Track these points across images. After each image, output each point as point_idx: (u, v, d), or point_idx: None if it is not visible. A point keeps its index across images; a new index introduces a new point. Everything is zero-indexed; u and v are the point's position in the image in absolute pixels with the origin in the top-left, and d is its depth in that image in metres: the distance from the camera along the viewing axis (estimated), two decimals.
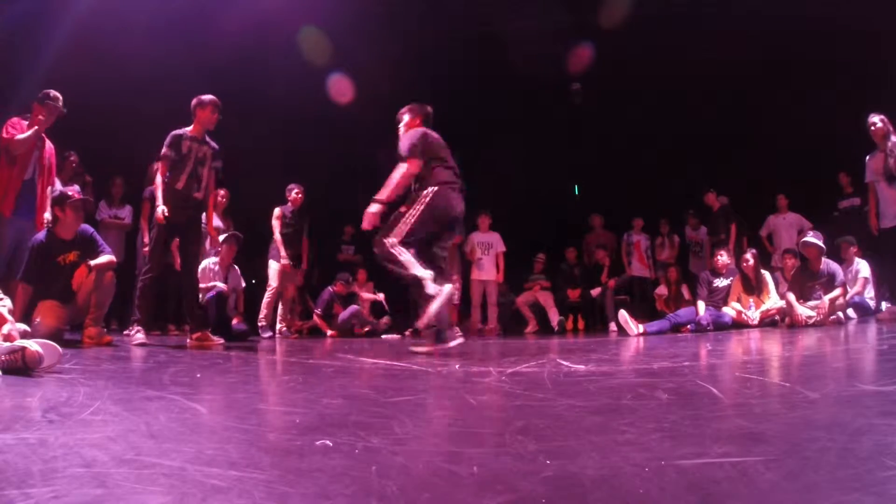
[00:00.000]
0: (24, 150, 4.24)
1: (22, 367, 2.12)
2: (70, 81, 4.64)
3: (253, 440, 1.24)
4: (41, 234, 4.02)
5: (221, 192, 6.08)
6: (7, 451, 1.07)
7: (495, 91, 8.07)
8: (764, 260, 6.53)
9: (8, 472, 0.95)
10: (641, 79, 7.63)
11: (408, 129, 3.66)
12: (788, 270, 6.12)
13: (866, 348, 3.39)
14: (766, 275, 6.02)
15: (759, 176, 7.71)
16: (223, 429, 1.39)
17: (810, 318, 5.29)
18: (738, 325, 5.70)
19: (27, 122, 4.28)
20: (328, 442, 1.16)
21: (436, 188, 3.40)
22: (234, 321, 5.74)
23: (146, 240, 6.02)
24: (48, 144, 4.44)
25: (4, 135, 4.18)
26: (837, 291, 5.39)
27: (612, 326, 6.63)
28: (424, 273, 3.24)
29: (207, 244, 6.17)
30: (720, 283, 6.10)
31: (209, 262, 5.66)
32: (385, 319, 6.92)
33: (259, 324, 6.10)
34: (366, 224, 3.41)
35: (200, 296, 5.04)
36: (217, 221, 6.12)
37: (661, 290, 7.16)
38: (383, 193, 3.36)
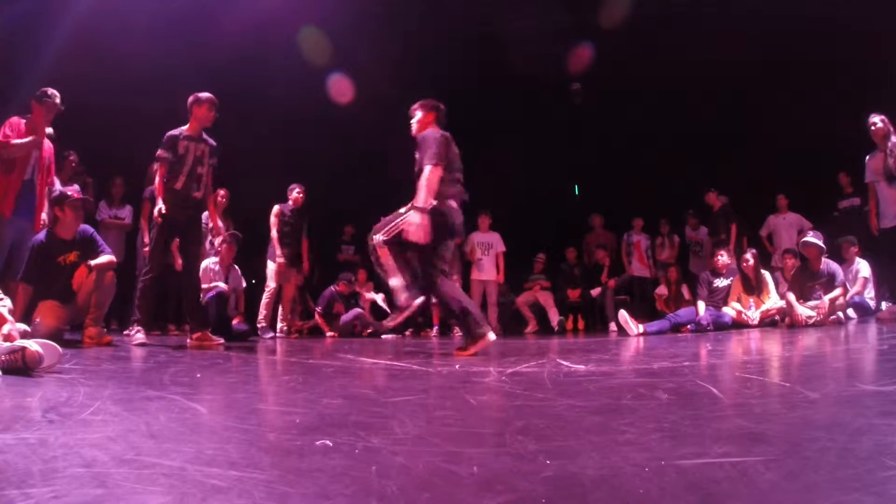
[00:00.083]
0: (22, 155, 4.24)
1: (22, 367, 2.12)
2: (70, 81, 4.63)
3: (253, 440, 1.24)
4: (41, 235, 4.02)
5: (221, 191, 6.08)
6: (7, 451, 1.07)
7: (495, 91, 8.08)
8: (764, 260, 6.53)
9: (8, 472, 0.95)
10: (641, 79, 7.63)
11: (421, 127, 3.61)
12: (788, 270, 6.12)
13: (866, 348, 3.39)
14: (766, 275, 6.02)
15: (759, 176, 7.71)
16: (223, 429, 1.39)
17: (810, 318, 5.29)
18: (738, 325, 5.70)
19: (25, 121, 4.28)
20: (328, 442, 1.16)
21: (434, 202, 3.35)
22: (235, 321, 5.74)
23: (146, 240, 6.02)
24: (47, 144, 4.44)
25: (0, 137, 4.17)
26: (837, 291, 5.39)
27: (612, 326, 6.63)
28: (398, 283, 3.32)
29: (207, 244, 6.17)
30: (720, 283, 6.10)
31: (209, 262, 5.66)
32: (387, 321, 6.92)
33: (259, 325, 6.09)
34: (422, 237, 3.22)
35: (201, 296, 5.04)
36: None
37: (661, 290, 7.16)
38: (421, 200, 3.23)
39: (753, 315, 5.75)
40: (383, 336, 6.46)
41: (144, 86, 6.23)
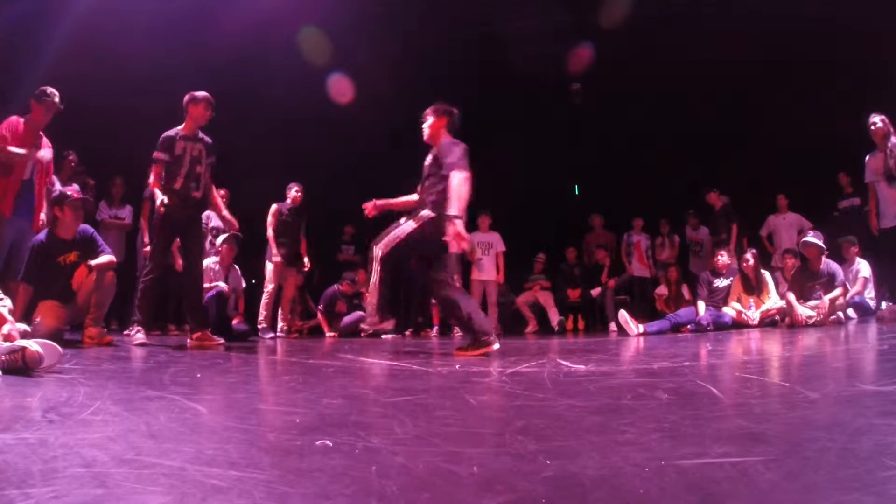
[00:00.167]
0: (22, 160, 4.24)
1: (22, 367, 2.12)
2: (70, 81, 4.63)
3: (253, 440, 1.24)
4: (41, 235, 4.03)
5: (221, 191, 6.07)
6: (7, 451, 1.07)
7: (495, 91, 8.08)
8: (764, 260, 6.53)
9: (8, 472, 0.95)
10: (641, 79, 7.63)
11: (433, 132, 3.59)
12: (788, 270, 6.12)
13: (866, 348, 3.39)
14: (766, 275, 6.02)
15: (759, 176, 7.72)
16: (223, 429, 1.39)
17: (810, 318, 5.29)
18: (739, 325, 5.70)
19: (24, 121, 4.28)
20: (328, 442, 1.16)
21: (434, 216, 3.36)
22: (235, 321, 5.74)
23: (146, 240, 6.03)
24: (45, 142, 4.44)
25: None
26: (837, 291, 5.39)
27: (612, 326, 6.63)
28: (373, 303, 3.47)
29: (207, 244, 6.17)
30: (720, 283, 6.10)
31: (210, 262, 5.66)
32: (388, 324, 6.89)
33: (259, 325, 6.08)
34: (463, 246, 3.25)
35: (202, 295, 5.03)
36: (217, 222, 6.12)
37: (662, 290, 7.16)
38: (454, 207, 3.21)
39: (753, 315, 5.75)
40: (383, 336, 6.46)
41: (144, 86, 6.22)
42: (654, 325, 5.58)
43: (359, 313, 6.86)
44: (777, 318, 5.74)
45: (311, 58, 7.34)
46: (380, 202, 3.80)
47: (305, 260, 6.48)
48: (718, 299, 6.02)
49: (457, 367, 2.65)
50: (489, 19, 7.55)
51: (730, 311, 5.81)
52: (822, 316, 5.27)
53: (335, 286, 7.01)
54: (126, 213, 6.44)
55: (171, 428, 1.32)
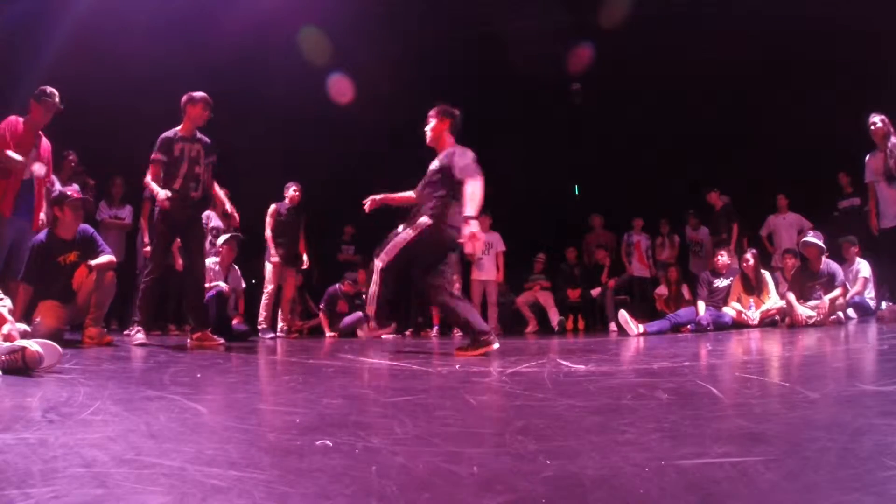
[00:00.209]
0: (20, 154, 4.23)
1: (22, 367, 2.12)
2: (70, 81, 4.63)
3: (253, 440, 1.24)
4: (41, 235, 4.03)
5: (222, 191, 6.07)
6: (7, 451, 1.07)
7: (495, 91, 8.08)
8: (764, 260, 6.53)
9: (8, 472, 0.95)
10: (641, 79, 7.63)
11: (435, 134, 3.60)
12: (788, 270, 6.12)
13: (866, 348, 3.39)
14: (766, 275, 6.02)
15: (759, 176, 7.72)
16: (223, 429, 1.39)
17: (810, 318, 5.29)
18: (739, 325, 5.70)
19: (24, 120, 4.28)
20: (328, 442, 1.16)
21: (431, 223, 3.38)
22: (235, 321, 5.74)
23: (146, 240, 6.03)
24: (44, 142, 4.44)
25: None
26: (837, 291, 5.40)
27: (612, 326, 6.63)
28: (370, 313, 3.54)
29: (207, 244, 6.17)
30: (720, 283, 6.10)
31: (209, 262, 5.65)
32: (386, 331, 6.88)
33: (259, 326, 6.08)
34: (479, 246, 3.29)
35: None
36: (216, 221, 6.12)
37: (662, 290, 7.16)
38: (470, 208, 3.21)
39: (753, 315, 5.75)
40: (383, 336, 6.46)
41: (144, 86, 6.22)
42: (654, 325, 5.58)
43: (359, 314, 6.86)
44: (777, 318, 5.74)
45: (311, 58, 7.34)
46: (378, 197, 3.82)
47: (304, 258, 6.45)
48: (718, 299, 6.02)
49: (457, 367, 2.65)
50: (489, 19, 7.55)
51: (730, 311, 5.81)
52: (822, 316, 5.27)
53: (337, 285, 7.01)
54: (126, 213, 6.44)
55: (171, 428, 1.32)
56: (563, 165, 9.16)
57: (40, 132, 4.38)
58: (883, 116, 5.13)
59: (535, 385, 2.02)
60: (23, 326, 2.95)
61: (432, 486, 0.92)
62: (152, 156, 4.13)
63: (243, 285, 6.13)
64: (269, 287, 6.19)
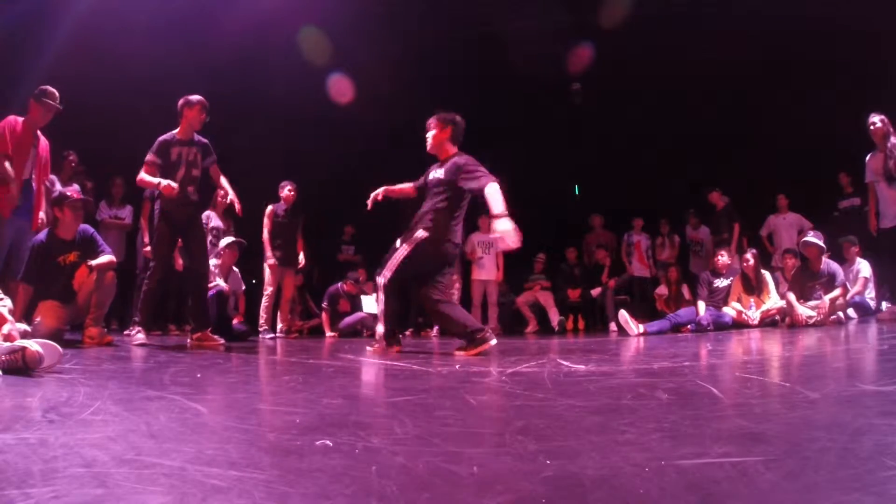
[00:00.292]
0: (19, 154, 4.23)
1: (22, 367, 2.12)
2: (70, 81, 4.63)
3: (253, 440, 1.24)
4: (42, 235, 4.03)
5: (221, 192, 6.07)
6: (7, 451, 1.07)
7: (495, 91, 8.08)
8: (764, 260, 6.53)
9: (8, 472, 0.95)
10: (641, 79, 7.63)
11: (436, 142, 3.60)
12: (789, 270, 6.12)
13: (866, 348, 3.39)
14: (767, 275, 6.02)
15: (759, 176, 7.71)
16: (223, 429, 1.39)
17: (811, 318, 5.29)
18: (739, 325, 5.70)
19: (23, 120, 4.28)
20: (328, 442, 1.16)
21: (427, 236, 3.42)
22: (235, 321, 5.74)
23: (146, 240, 6.03)
24: (43, 141, 4.44)
25: None
26: (838, 291, 5.39)
27: (613, 326, 6.63)
28: (381, 330, 3.60)
29: (207, 244, 6.16)
30: (720, 283, 6.10)
31: (210, 265, 5.64)
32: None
33: (260, 328, 6.08)
34: (517, 243, 3.23)
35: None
36: (216, 222, 6.11)
37: (662, 290, 7.16)
38: (500, 208, 3.23)
39: (754, 315, 5.75)
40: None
41: (144, 86, 6.22)
42: (655, 325, 5.58)
43: (359, 314, 6.86)
44: (777, 318, 5.74)
45: (311, 58, 7.33)
46: (379, 192, 3.83)
47: (301, 258, 6.42)
48: (718, 299, 6.02)
49: (457, 367, 2.65)
50: (489, 19, 7.55)
51: (730, 311, 5.81)
52: (822, 316, 5.27)
53: (339, 284, 7.00)
54: (126, 213, 6.44)
55: (172, 428, 1.32)
56: (563, 165, 9.15)
57: (38, 132, 4.38)
58: (883, 116, 5.13)
59: (535, 385, 2.02)
60: (23, 326, 2.96)
61: (432, 486, 0.92)
62: (147, 157, 4.13)
63: (243, 287, 6.12)
64: (268, 289, 6.18)
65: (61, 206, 4.02)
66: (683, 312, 5.81)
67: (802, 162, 7.31)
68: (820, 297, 5.42)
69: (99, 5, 5.89)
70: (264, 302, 6.13)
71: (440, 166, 3.58)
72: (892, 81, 5.77)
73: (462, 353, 3.25)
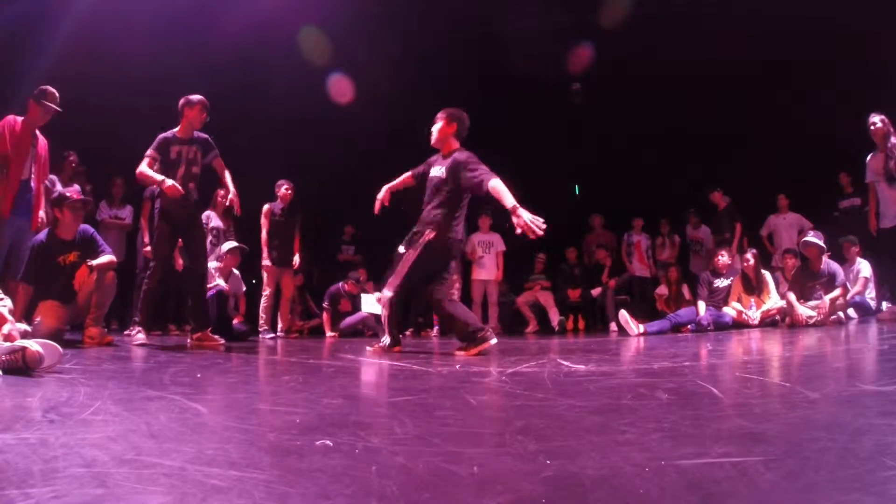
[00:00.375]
0: (18, 154, 4.24)
1: (22, 367, 2.12)
2: (70, 81, 4.63)
3: (253, 440, 1.24)
4: (41, 235, 4.03)
5: (221, 192, 6.07)
6: (7, 451, 1.07)
7: (495, 91, 8.07)
8: (764, 260, 6.53)
9: (8, 472, 0.95)
10: (641, 79, 7.63)
11: (441, 136, 3.61)
12: (789, 270, 6.12)
13: (867, 348, 3.39)
14: (767, 275, 6.02)
15: (759, 176, 7.71)
16: (223, 429, 1.39)
17: (811, 318, 5.28)
18: (739, 325, 5.70)
19: (22, 119, 4.28)
20: (328, 442, 1.16)
21: (434, 235, 3.43)
22: (235, 321, 5.73)
23: (146, 240, 6.02)
24: (41, 140, 4.44)
25: None
26: (838, 291, 5.39)
27: (613, 326, 6.63)
28: (385, 340, 3.64)
29: (207, 244, 6.15)
30: (720, 283, 6.10)
31: (211, 267, 5.64)
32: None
33: (260, 328, 6.08)
34: (541, 230, 3.17)
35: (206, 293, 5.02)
36: (216, 222, 6.11)
37: (662, 289, 7.16)
38: (511, 200, 3.25)
39: (754, 315, 5.75)
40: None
41: (144, 86, 6.22)
42: (655, 325, 5.58)
43: (361, 314, 6.85)
44: (777, 318, 5.74)
45: (311, 58, 7.33)
46: (382, 194, 3.84)
47: (296, 258, 6.39)
48: (719, 299, 6.02)
49: (457, 367, 2.65)
50: (489, 19, 7.55)
51: (730, 311, 5.81)
52: (822, 316, 5.27)
53: (340, 284, 7.00)
54: (126, 213, 6.44)
55: (172, 428, 1.32)
56: (563, 165, 9.15)
57: (37, 131, 4.38)
58: (883, 116, 5.13)
59: (535, 385, 2.02)
60: (23, 326, 2.96)
61: (432, 486, 0.92)
62: (147, 152, 4.14)
63: (244, 288, 6.12)
64: (267, 290, 6.18)
65: (61, 207, 4.02)
66: (684, 312, 5.81)
67: (802, 162, 7.31)
68: (820, 297, 5.42)
69: (99, 5, 5.89)
70: (263, 302, 6.13)
71: (441, 162, 3.59)
72: (892, 81, 5.77)
73: (462, 353, 3.25)
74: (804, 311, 5.33)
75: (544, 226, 3.14)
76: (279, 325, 6.34)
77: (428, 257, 3.46)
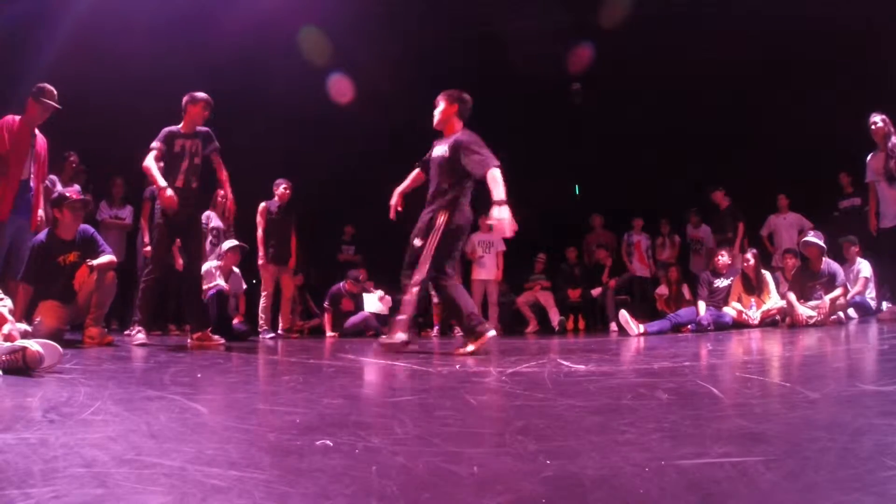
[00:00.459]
0: (17, 153, 4.24)
1: (23, 367, 2.12)
2: (70, 81, 4.63)
3: (253, 440, 1.24)
4: (42, 235, 4.04)
5: (221, 192, 6.06)
6: (8, 451, 1.07)
7: (495, 91, 8.06)
8: (764, 260, 6.53)
9: (8, 472, 0.95)
10: (641, 79, 7.63)
11: (443, 117, 3.60)
12: (789, 270, 6.12)
13: (867, 348, 3.39)
14: (767, 275, 6.02)
15: (759, 176, 7.71)
16: (223, 429, 1.39)
17: (811, 317, 5.28)
18: (739, 325, 5.70)
19: (20, 118, 4.28)
20: (328, 442, 1.16)
21: (445, 217, 3.41)
22: (235, 321, 5.73)
23: (146, 240, 6.03)
24: (40, 138, 4.44)
25: None
26: (838, 291, 5.39)
27: (613, 326, 6.62)
28: (403, 318, 3.52)
29: (207, 244, 6.16)
30: (721, 283, 6.10)
31: (211, 265, 5.65)
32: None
33: (260, 329, 6.08)
34: (511, 232, 3.26)
35: (202, 294, 5.03)
36: (216, 222, 6.12)
37: (662, 289, 7.16)
38: (501, 193, 3.25)
39: (754, 315, 5.75)
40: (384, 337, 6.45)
41: (144, 86, 6.22)
42: (655, 325, 5.58)
43: (364, 314, 6.84)
44: (777, 318, 5.74)
45: (311, 58, 7.33)
46: (395, 200, 3.81)
47: (292, 258, 6.40)
48: (719, 299, 6.02)
49: (457, 367, 2.65)
50: (489, 19, 7.54)
51: (730, 311, 5.81)
52: (822, 316, 5.27)
53: (341, 284, 7.00)
54: (126, 213, 6.44)
55: (172, 428, 1.32)
56: (563, 165, 9.15)
57: (36, 130, 4.38)
58: (883, 116, 5.13)
59: (535, 385, 2.02)
60: (23, 326, 2.96)
61: (432, 486, 0.92)
62: (153, 144, 4.19)
63: (244, 287, 6.12)
64: (264, 290, 6.18)
65: (60, 207, 4.02)
66: (684, 312, 5.81)
67: (802, 162, 7.30)
68: (820, 297, 5.42)
69: (99, 5, 5.89)
70: (262, 302, 6.13)
71: (444, 142, 3.57)
72: (892, 81, 5.77)
73: (462, 350, 3.25)
74: (804, 311, 5.33)
75: (512, 234, 3.22)
76: (279, 325, 6.34)
77: (446, 241, 3.42)
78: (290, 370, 2.95)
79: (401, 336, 3.52)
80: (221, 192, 6.06)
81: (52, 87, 4.28)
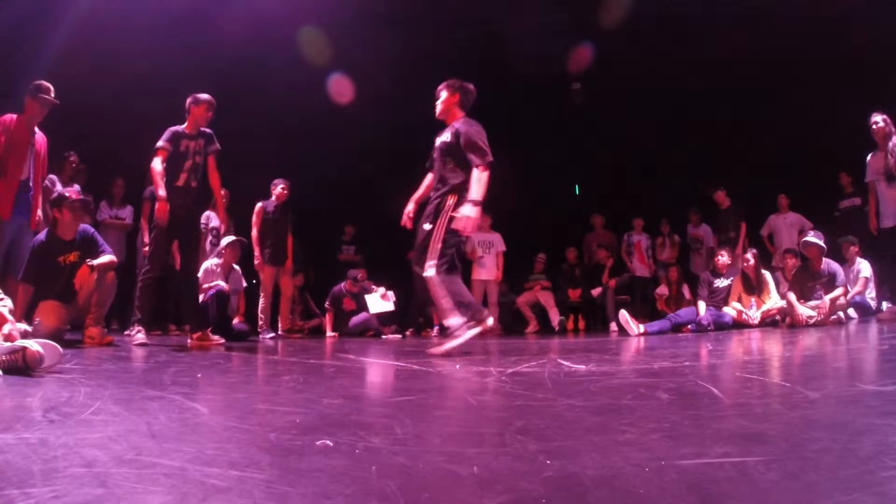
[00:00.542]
0: (16, 152, 4.24)
1: (23, 367, 2.12)
2: (70, 81, 4.64)
3: (253, 440, 1.24)
4: (42, 235, 4.04)
5: (222, 191, 6.07)
6: (8, 451, 1.07)
7: (495, 91, 8.07)
8: (765, 260, 6.53)
9: (8, 472, 0.95)
10: (641, 79, 7.63)
11: (445, 107, 3.59)
12: (789, 270, 6.12)
13: (867, 348, 3.39)
14: (767, 275, 6.02)
15: (759, 176, 7.71)
16: (223, 429, 1.39)
17: (811, 317, 5.28)
18: (739, 325, 5.70)
19: (18, 117, 4.28)
20: (328, 442, 1.16)
21: (454, 200, 3.38)
22: (235, 321, 5.73)
23: (146, 240, 6.03)
24: (39, 136, 4.44)
25: None
26: (838, 291, 5.39)
27: (613, 326, 6.62)
28: (455, 321, 3.24)
29: (207, 244, 6.16)
30: (721, 283, 6.10)
31: (211, 264, 5.65)
32: (393, 327, 6.85)
33: (260, 329, 6.07)
34: (472, 230, 3.27)
35: (201, 295, 5.03)
36: (216, 222, 6.11)
37: (662, 289, 7.16)
38: (477, 193, 3.23)
39: (754, 315, 5.75)
40: (384, 337, 6.46)
41: (144, 86, 6.22)
42: (655, 325, 5.58)
43: (365, 314, 6.84)
44: (778, 318, 5.74)
45: (311, 58, 7.33)
46: (410, 209, 3.74)
47: (289, 259, 6.39)
48: (719, 299, 6.02)
49: (457, 367, 2.65)
50: (489, 19, 7.54)
51: (730, 311, 5.81)
52: (822, 316, 5.27)
53: (342, 284, 7.00)
54: (126, 213, 6.44)
55: (172, 428, 1.32)
56: (563, 165, 9.15)
57: (35, 128, 4.38)
58: (884, 116, 5.13)
59: (535, 385, 2.02)
60: (23, 326, 2.96)
61: (432, 486, 0.92)
62: (159, 143, 4.23)
63: (244, 285, 6.12)
64: (263, 291, 6.18)
65: (60, 207, 4.02)
66: (684, 312, 5.81)
67: (802, 162, 7.31)
68: (820, 297, 5.42)
69: (99, 5, 5.89)
70: (261, 303, 6.13)
71: (445, 131, 3.56)
72: (892, 81, 5.77)
73: (437, 350, 3.22)
74: (804, 311, 5.33)
75: (471, 234, 3.29)
76: (279, 326, 6.34)
77: (454, 232, 3.38)
78: (290, 370, 2.95)
79: (456, 320, 3.23)
80: (223, 192, 6.08)
81: (48, 84, 4.29)
